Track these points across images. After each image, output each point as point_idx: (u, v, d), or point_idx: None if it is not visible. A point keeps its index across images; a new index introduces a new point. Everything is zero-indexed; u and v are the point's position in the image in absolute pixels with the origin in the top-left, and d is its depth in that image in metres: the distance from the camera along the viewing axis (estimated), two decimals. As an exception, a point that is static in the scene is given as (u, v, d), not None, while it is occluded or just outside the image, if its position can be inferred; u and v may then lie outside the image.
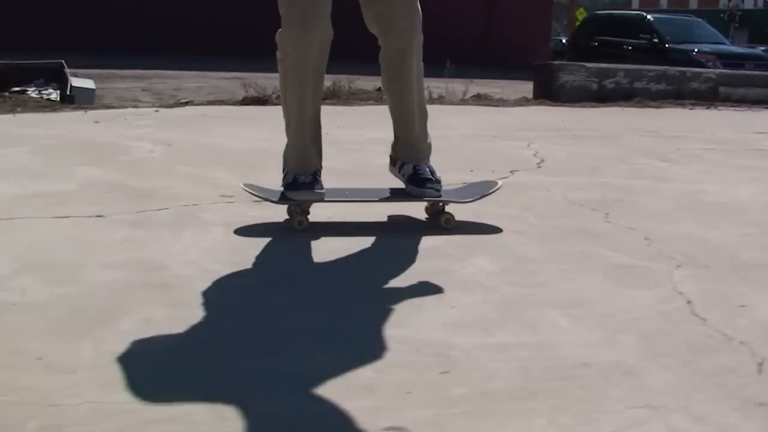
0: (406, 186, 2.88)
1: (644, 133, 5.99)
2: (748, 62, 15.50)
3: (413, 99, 2.86)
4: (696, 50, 15.48)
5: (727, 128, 6.78)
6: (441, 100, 8.15)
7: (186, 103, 7.97)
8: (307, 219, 2.79)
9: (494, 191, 2.96)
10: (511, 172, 4.04)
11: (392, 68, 2.81)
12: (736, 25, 46.83)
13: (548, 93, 8.85)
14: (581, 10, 52.37)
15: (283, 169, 2.82)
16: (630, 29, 16.88)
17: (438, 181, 2.84)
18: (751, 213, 3.40)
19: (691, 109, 8.67)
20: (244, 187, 2.90)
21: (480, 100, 8.95)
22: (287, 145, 2.82)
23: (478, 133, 5.57)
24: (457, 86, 8.85)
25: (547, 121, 6.52)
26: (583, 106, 8.37)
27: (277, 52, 2.68)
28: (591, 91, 8.88)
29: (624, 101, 8.93)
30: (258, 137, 4.93)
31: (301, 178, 2.72)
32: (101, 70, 11.65)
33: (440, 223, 2.85)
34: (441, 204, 2.87)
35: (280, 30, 2.64)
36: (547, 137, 5.42)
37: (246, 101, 7.59)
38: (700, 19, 17.76)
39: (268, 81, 7.18)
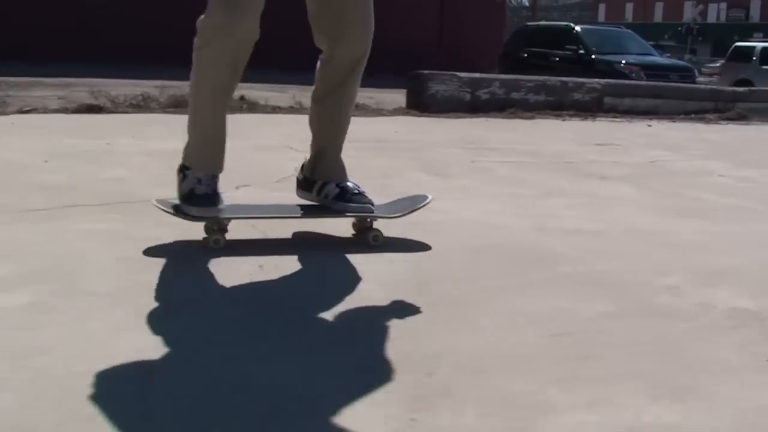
0: (331, 204, 2.72)
1: (462, 145, 5.53)
2: (673, 73, 15.26)
3: (349, 113, 2.80)
4: (621, 62, 15.22)
5: (569, 140, 6.35)
6: (293, 109, 7.68)
7: (29, 111, 7.47)
8: (224, 237, 2.56)
9: (424, 205, 2.81)
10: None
11: (336, 79, 2.69)
12: (700, 38, 46.86)
13: (418, 103, 8.41)
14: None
15: (184, 168, 2.59)
16: (558, 40, 16.62)
17: (366, 196, 2.72)
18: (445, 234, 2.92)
19: (564, 120, 8.25)
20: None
21: (355, 110, 8.50)
22: (193, 142, 2.60)
23: (283, 145, 5.08)
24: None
25: (377, 133, 6.03)
26: (449, 117, 7.94)
27: (196, 39, 2.49)
28: (464, 102, 8.43)
29: (497, 112, 8.50)
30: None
31: (201, 189, 2.53)
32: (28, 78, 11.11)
33: (368, 240, 2.69)
34: (369, 220, 2.71)
35: (202, 16, 2.47)
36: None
37: (79, 110, 7.16)
38: (630, 31, 17.50)
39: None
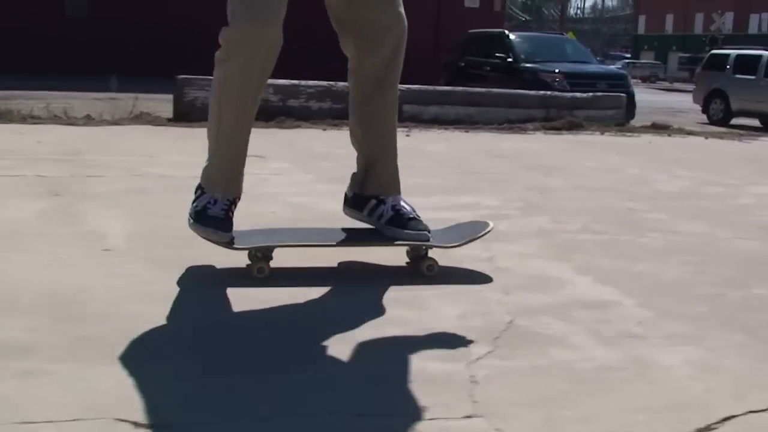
0: (384, 229, 2.52)
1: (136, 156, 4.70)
2: (601, 81, 13.97)
3: (395, 118, 2.61)
4: (549, 70, 14.06)
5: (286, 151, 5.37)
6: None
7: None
8: (269, 265, 2.40)
9: (485, 233, 2.55)
10: None
11: (373, 84, 2.53)
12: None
13: (178, 111, 7.46)
14: (571, 33, 50.87)
15: (201, 189, 2.46)
16: (492, 48, 15.48)
17: (422, 221, 2.51)
18: None
19: (324, 130, 7.17)
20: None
21: (139, 120, 7.64)
22: (214, 163, 2.45)
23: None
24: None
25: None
26: (203, 126, 6.97)
27: (218, 53, 2.36)
28: (229, 109, 7.39)
29: (264, 122, 7.46)
30: None
31: (214, 211, 2.38)
32: None
33: (422, 270, 2.47)
34: (424, 248, 2.48)
35: (225, 27, 2.32)
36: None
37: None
38: (571, 38, 16.18)
39: None
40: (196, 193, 2.48)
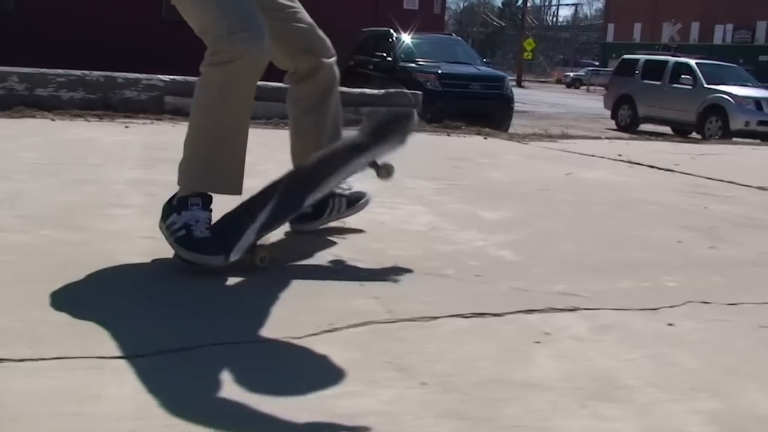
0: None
1: None
2: (475, 83, 13.44)
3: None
4: (419, 69, 13.57)
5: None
6: None
7: None
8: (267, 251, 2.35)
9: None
10: None
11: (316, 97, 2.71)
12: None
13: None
14: (530, 40, 50.34)
15: (173, 203, 2.38)
16: (377, 47, 14.95)
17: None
18: None
19: (53, 120, 6.55)
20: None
21: None
22: (212, 164, 2.37)
23: None
24: None
25: None
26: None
27: (213, 57, 2.32)
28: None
29: (7, 110, 6.86)
30: None
31: (198, 230, 2.31)
32: None
33: None
34: None
35: (220, 33, 2.29)
36: None
37: None
38: (459, 39, 15.69)
39: None
40: (168, 212, 2.36)
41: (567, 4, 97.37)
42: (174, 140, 5.44)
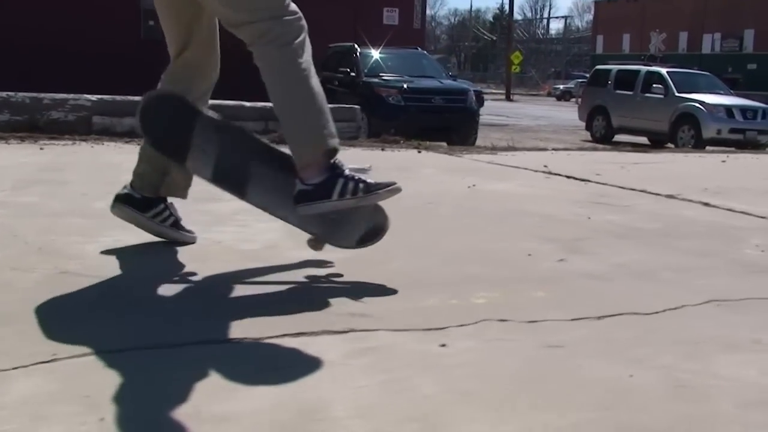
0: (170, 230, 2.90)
1: None
2: (437, 96, 13.34)
3: None
4: (381, 84, 13.47)
5: None
6: None
7: None
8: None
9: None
10: None
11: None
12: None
13: None
14: (517, 53, 50.34)
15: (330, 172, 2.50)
16: (342, 62, 14.86)
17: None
18: None
19: (8, 143, 6.42)
20: None
21: None
22: (320, 122, 2.50)
23: None
24: None
25: None
26: None
27: (279, 34, 2.43)
28: None
29: None
30: None
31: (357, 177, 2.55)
32: None
33: None
34: None
35: (278, 17, 2.45)
36: None
37: None
38: (424, 53, 15.54)
39: None
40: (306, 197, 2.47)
41: (557, 17, 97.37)
42: (78, 161, 5.35)
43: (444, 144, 9.27)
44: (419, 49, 15.63)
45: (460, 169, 5.91)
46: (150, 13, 18.39)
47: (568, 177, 5.55)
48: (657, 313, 2.34)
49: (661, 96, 16.62)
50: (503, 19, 61.85)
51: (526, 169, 6.05)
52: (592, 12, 71.70)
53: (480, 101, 34.99)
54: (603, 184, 5.25)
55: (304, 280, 2.57)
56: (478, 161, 6.63)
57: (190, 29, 2.73)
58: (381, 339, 2.01)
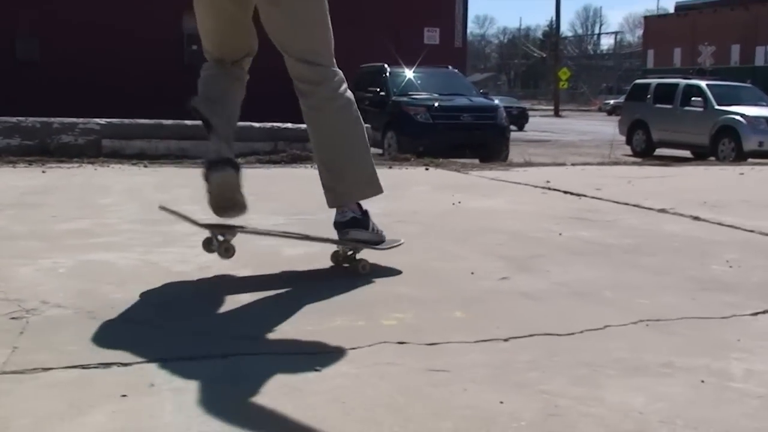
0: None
1: None
2: (466, 114, 13.26)
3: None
4: (409, 102, 13.47)
5: None
6: None
7: None
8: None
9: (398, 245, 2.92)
10: None
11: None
12: (748, 81, 43.03)
13: None
14: (564, 69, 49.87)
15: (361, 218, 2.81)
16: (373, 82, 14.87)
17: None
18: None
19: (15, 166, 6.54)
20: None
21: None
22: (371, 177, 2.85)
23: None
24: None
25: None
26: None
27: (335, 83, 2.72)
28: None
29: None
30: None
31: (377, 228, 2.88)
32: None
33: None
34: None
35: (332, 63, 2.75)
36: None
37: None
38: (456, 72, 15.43)
39: None
40: (363, 223, 2.78)
41: (608, 33, 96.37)
42: (69, 184, 5.38)
43: (458, 161, 9.13)
44: (450, 67, 15.50)
45: (455, 186, 5.79)
46: (193, 37, 18.71)
47: (565, 192, 5.39)
48: (573, 334, 2.20)
49: (701, 109, 16.23)
50: (553, 35, 61.36)
51: (526, 185, 5.90)
52: (643, 27, 70.77)
53: (524, 118, 34.83)
54: (598, 199, 5.08)
55: (220, 300, 2.49)
56: (482, 178, 6.50)
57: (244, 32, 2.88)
58: (257, 364, 1.92)
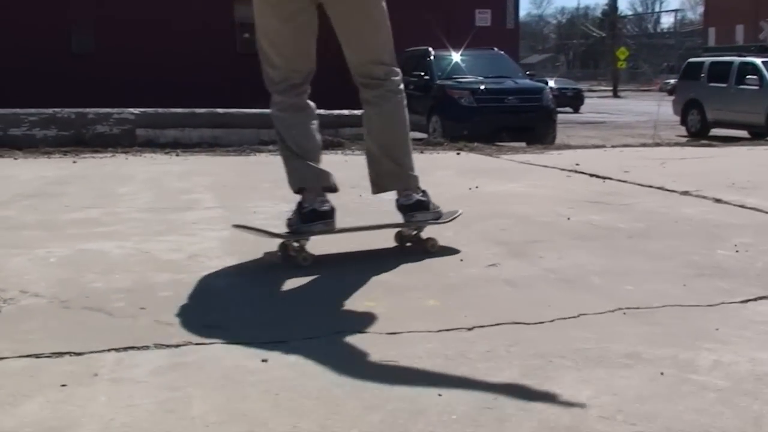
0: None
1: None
2: (512, 96, 13.08)
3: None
4: (453, 86, 13.34)
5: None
6: None
7: None
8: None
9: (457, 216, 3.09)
10: None
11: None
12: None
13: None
14: (622, 49, 48.74)
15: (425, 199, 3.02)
16: (417, 66, 14.74)
17: None
18: None
19: (15, 159, 6.70)
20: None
21: None
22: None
23: None
24: None
25: None
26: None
27: (397, 81, 2.94)
28: (-56, 140, 7.09)
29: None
30: None
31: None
32: None
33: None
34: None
35: (395, 63, 2.94)
36: None
37: None
38: (503, 54, 15.19)
39: None
40: (426, 204, 2.96)
41: (669, 11, 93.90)
42: (94, 174, 5.45)
43: (502, 145, 9.00)
44: (495, 49, 15.27)
45: (480, 170, 5.69)
46: (246, 26, 18.79)
47: (591, 175, 5.26)
48: (542, 323, 2.12)
49: (756, 87, 15.68)
50: (612, 15, 60.05)
51: (554, 168, 5.78)
52: (704, 4, 68.80)
53: (580, 99, 34.20)
54: (622, 181, 4.94)
55: (196, 289, 2.48)
56: (511, 161, 6.39)
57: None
58: (207, 353, 1.89)
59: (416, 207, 2.90)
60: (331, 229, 2.77)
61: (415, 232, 2.97)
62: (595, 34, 78.81)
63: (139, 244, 3.09)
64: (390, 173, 2.92)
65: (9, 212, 3.88)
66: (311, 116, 2.91)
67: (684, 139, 15.12)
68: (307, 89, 2.91)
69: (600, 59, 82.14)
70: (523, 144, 10.67)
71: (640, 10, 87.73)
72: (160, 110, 7.47)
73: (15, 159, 6.58)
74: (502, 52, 15.19)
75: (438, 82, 13.85)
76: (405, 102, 2.93)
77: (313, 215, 2.72)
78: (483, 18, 27.15)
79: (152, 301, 2.34)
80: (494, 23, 26.78)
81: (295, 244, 2.72)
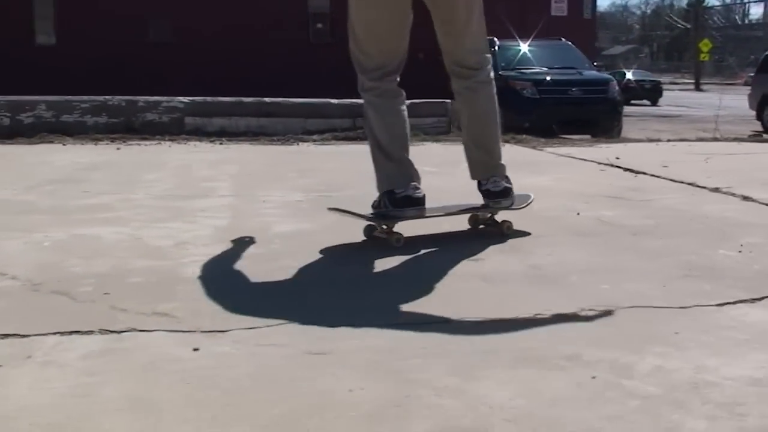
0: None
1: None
2: (576, 88, 12.88)
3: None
4: (515, 77, 13.19)
5: None
6: None
7: None
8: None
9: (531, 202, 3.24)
10: None
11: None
12: None
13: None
14: (706, 41, 47.24)
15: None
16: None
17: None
18: None
19: (64, 145, 6.93)
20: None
21: None
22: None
23: None
24: None
25: None
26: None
27: (491, 73, 3.12)
28: (2, 126, 7.40)
29: (28, 138, 7.35)
30: None
31: None
32: None
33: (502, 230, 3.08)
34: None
35: (486, 55, 3.10)
36: None
37: None
38: (568, 44, 14.89)
39: None
40: (509, 194, 3.08)
41: (757, 1, 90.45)
42: (130, 161, 5.58)
43: (568, 137, 8.81)
44: (562, 39, 14.98)
45: (513, 163, 5.55)
46: (319, 16, 18.92)
47: (625, 170, 5.12)
48: (494, 320, 2.07)
49: (838, 81, 14.96)
50: (698, 5, 58.28)
51: (591, 161, 5.65)
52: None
53: (658, 92, 33.32)
54: (655, 176, 4.79)
55: (168, 276, 2.50)
56: (551, 154, 6.28)
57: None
58: (144, 340, 1.91)
59: (503, 194, 3.02)
60: (422, 214, 2.93)
61: (490, 215, 3.12)
62: (680, 25, 76.67)
63: (136, 230, 3.14)
64: (481, 162, 3.06)
65: (29, 197, 3.99)
66: (403, 102, 3.01)
67: (758, 135, 14.57)
68: (398, 76, 2.99)
69: (684, 51, 79.82)
70: (588, 137, 10.46)
71: (727, 0, 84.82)
72: (208, 99, 7.59)
73: (64, 145, 6.77)
74: (570, 43, 14.87)
75: (501, 72, 13.61)
76: (494, 90, 3.04)
77: (407, 201, 2.88)
78: (559, 7, 26.70)
79: (119, 286, 2.36)
80: (571, 13, 26.28)
81: (384, 227, 2.84)
